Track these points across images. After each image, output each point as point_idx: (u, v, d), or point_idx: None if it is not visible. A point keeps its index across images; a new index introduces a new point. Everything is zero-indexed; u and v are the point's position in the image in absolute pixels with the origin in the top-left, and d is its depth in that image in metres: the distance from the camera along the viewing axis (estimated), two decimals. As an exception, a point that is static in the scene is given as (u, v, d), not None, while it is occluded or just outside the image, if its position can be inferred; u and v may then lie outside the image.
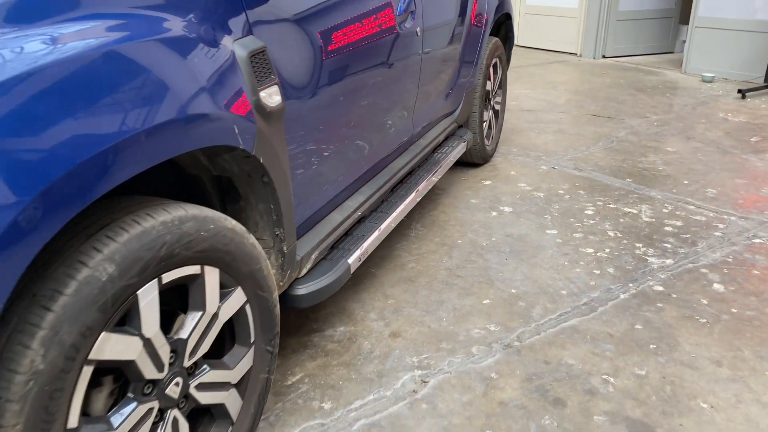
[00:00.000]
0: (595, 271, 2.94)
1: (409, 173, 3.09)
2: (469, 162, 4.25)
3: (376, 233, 2.49)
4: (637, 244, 3.21)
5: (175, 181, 1.79)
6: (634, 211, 3.62)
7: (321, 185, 2.19)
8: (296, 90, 1.87)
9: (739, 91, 6.59)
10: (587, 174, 4.21)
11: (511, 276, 2.90)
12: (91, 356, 1.24)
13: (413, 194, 2.86)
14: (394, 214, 2.66)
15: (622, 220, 3.49)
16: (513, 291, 2.77)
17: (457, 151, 3.53)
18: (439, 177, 3.26)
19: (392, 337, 2.44)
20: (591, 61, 8.83)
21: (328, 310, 2.62)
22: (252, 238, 1.64)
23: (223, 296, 1.58)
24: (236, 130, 1.53)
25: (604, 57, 9.09)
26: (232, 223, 1.56)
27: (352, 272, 2.31)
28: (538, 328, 2.50)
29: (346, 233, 2.47)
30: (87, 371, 1.24)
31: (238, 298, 1.63)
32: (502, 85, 4.45)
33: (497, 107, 4.43)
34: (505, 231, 3.35)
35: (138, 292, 1.32)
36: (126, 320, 1.34)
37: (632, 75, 7.80)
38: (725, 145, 4.90)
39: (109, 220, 1.31)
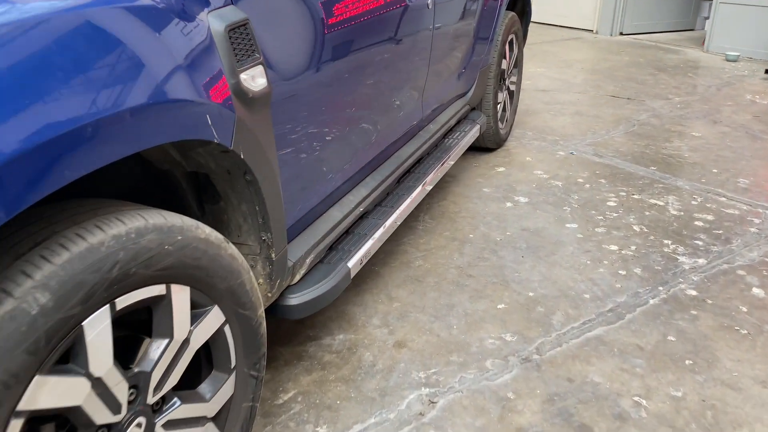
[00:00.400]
0: (620, 272, 2.67)
1: (418, 161, 2.81)
2: (481, 147, 3.97)
3: (380, 231, 2.23)
4: (666, 241, 2.94)
5: (143, 177, 1.53)
6: (661, 203, 3.34)
7: (317, 180, 1.92)
8: (286, 71, 1.60)
9: (767, 71, 6.24)
10: (608, 161, 3.93)
11: (528, 276, 2.64)
12: (21, 407, 0.99)
13: (421, 186, 2.60)
14: (401, 209, 2.40)
15: (647, 213, 3.22)
16: (530, 294, 2.51)
17: (470, 136, 3.25)
18: (450, 165, 2.99)
19: (397, 348, 2.20)
20: (608, 39, 8.45)
21: (326, 315, 2.37)
22: (231, 248, 1.39)
23: (196, 318, 1.33)
24: (209, 121, 1.26)
25: (621, 34, 8.71)
26: (205, 231, 1.30)
27: (352, 277, 2.05)
28: (560, 339, 2.24)
29: (347, 232, 2.21)
30: (16, 425, 1.00)
31: (214, 318, 1.37)
32: (518, 64, 4.14)
33: (512, 87, 4.13)
34: (521, 224, 3.09)
35: (83, 324, 1.06)
36: (69, 357, 1.09)
37: (652, 53, 7.44)
38: (755, 130, 4.59)
39: (46, 234, 1.05)
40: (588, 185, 3.55)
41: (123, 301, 1.14)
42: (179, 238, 1.22)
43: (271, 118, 1.52)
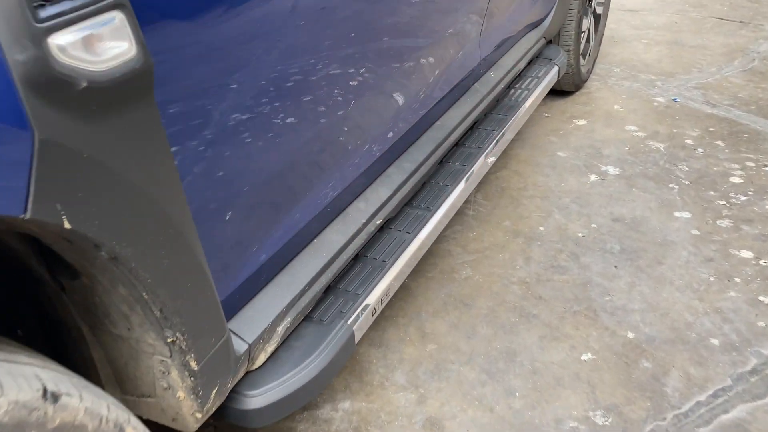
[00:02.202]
0: (761, 298, 1.83)
1: (471, 128, 1.96)
2: (553, 88, 3.04)
3: (407, 255, 1.45)
4: (824, 245, 2.05)
5: None
6: (807, 180, 2.41)
7: (290, 199, 1.14)
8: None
9: None
10: (724, 112, 2.95)
11: (626, 302, 1.82)
12: None
13: (471, 174, 1.76)
14: (440, 213, 1.59)
15: (790, 196, 2.31)
16: (630, 335, 1.71)
17: (545, 84, 2.35)
18: (516, 131, 2.13)
19: (428, 430, 1.46)
20: (705, -58, 7.03)
21: (328, 367, 1.62)
22: (87, 404, 0.64)
23: None
24: None
25: (722, -64, 7.24)
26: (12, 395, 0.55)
27: (358, 341, 1.29)
28: (680, 426, 1.45)
29: (355, 257, 1.42)
30: None
31: None
32: (608, -22, 3.13)
33: (599, 10, 3.14)
34: (612, 211, 2.23)
35: None
36: None
37: (763, -40, 6.08)
38: None
39: None
40: (700, 149, 2.62)
41: None
42: None
43: (158, 118, 0.72)
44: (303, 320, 1.25)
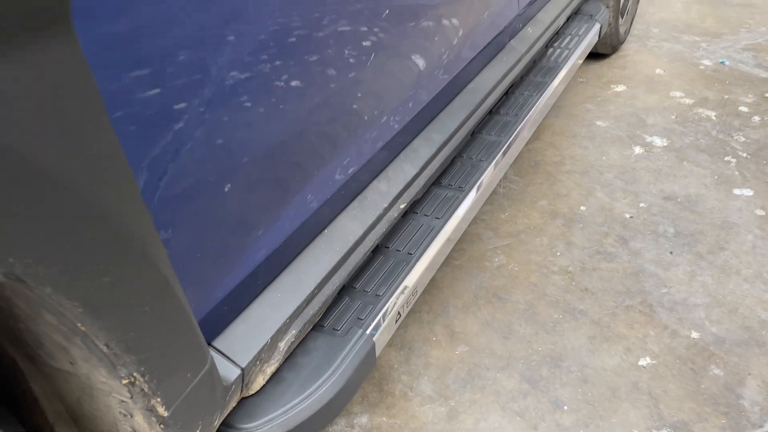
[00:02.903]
0: None
1: (506, 93, 1.69)
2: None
3: (435, 246, 1.20)
4: None
5: None
6: None
7: (295, 179, 0.89)
8: None
9: None
10: (779, 75, 2.65)
11: (687, 295, 1.57)
12: None
13: (507, 149, 1.50)
14: (475, 193, 1.33)
15: None
16: (694, 336, 1.46)
17: (586, 43, 2.06)
18: (557, 96, 1.85)
19: (461, 455, 1.22)
20: None
21: (342, 374, 1.39)
22: None
23: None
24: None
25: None
26: None
27: (379, 353, 1.05)
28: (765, 451, 1.21)
29: (375, 248, 1.18)
30: None
31: None
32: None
33: (640, -38, 2.82)
34: (662, 188, 1.96)
35: None
36: None
37: None
38: None
39: None
40: (757, 117, 2.34)
41: None
42: None
43: (84, 64, 0.47)
44: (311, 331, 1.01)
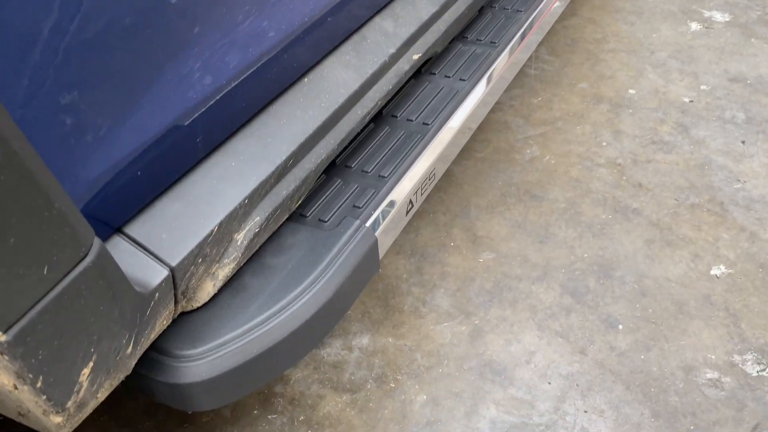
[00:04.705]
0: None
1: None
2: None
3: (459, 117, 0.89)
4: None
5: None
6: None
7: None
8: None
9: None
10: None
11: (765, 190, 1.27)
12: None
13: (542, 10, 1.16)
14: (510, 51, 1.01)
15: None
16: (779, 240, 1.17)
17: None
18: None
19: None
20: None
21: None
22: None
23: None
24: None
25: None
26: None
27: (383, 254, 0.77)
28: None
29: (378, 114, 0.87)
30: None
31: None
32: None
33: None
34: (726, 68, 1.62)
35: None
36: None
37: None
38: None
39: None
40: (836, -11, 1.95)
41: None
42: None
43: None
44: (287, 221, 0.72)
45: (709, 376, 0.97)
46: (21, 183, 0.36)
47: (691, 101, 1.52)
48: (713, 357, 0.99)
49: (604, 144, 1.40)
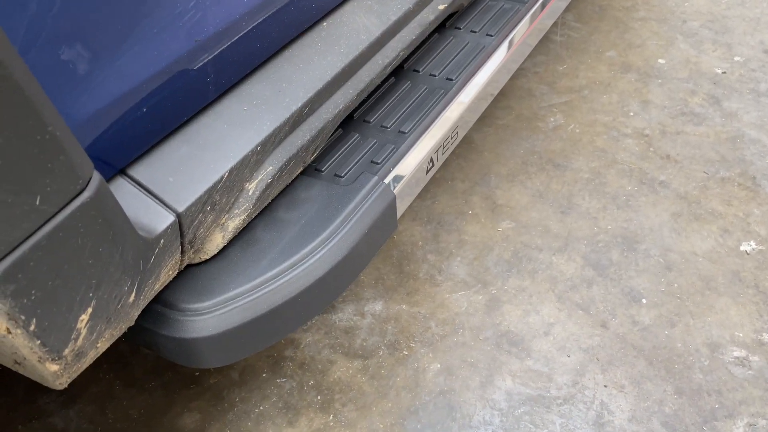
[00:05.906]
0: None
1: None
2: None
3: (485, 73, 0.84)
4: None
5: None
6: None
7: None
8: None
9: None
10: None
11: (800, 167, 1.21)
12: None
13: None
14: (538, 7, 0.96)
15: None
16: (814, 217, 1.12)
17: None
18: None
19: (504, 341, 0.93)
20: None
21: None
22: None
23: None
24: None
25: None
26: None
27: (401, 215, 0.73)
28: None
29: (398, 68, 0.82)
30: None
31: None
32: None
33: None
34: (762, 39, 1.56)
35: None
36: None
37: None
38: None
39: None
40: None
41: None
42: None
43: None
44: (301, 174, 0.68)
45: (736, 354, 0.93)
46: (8, 96, 0.32)
47: (724, 72, 1.45)
48: (741, 335, 0.95)
49: (632, 114, 1.35)
